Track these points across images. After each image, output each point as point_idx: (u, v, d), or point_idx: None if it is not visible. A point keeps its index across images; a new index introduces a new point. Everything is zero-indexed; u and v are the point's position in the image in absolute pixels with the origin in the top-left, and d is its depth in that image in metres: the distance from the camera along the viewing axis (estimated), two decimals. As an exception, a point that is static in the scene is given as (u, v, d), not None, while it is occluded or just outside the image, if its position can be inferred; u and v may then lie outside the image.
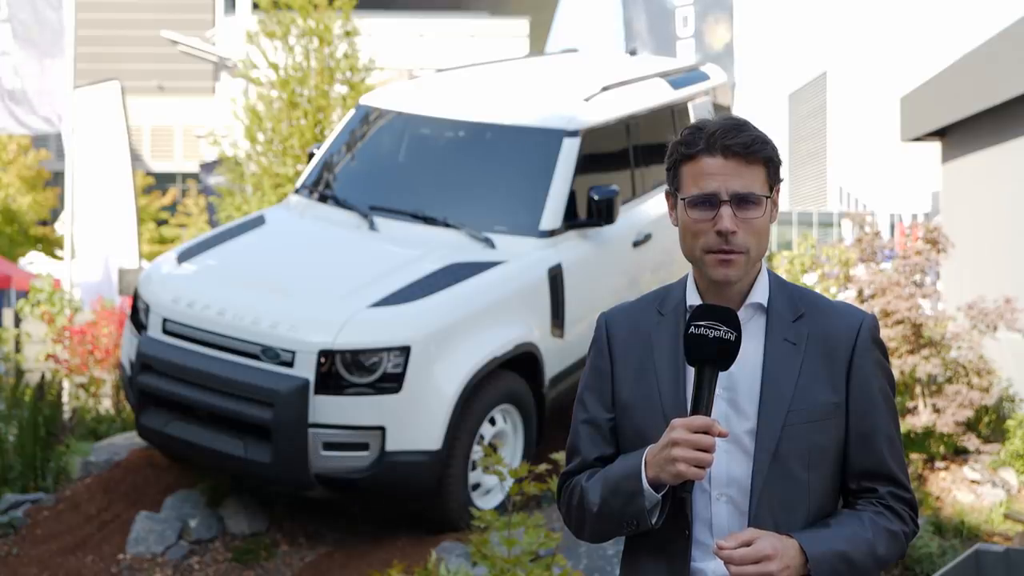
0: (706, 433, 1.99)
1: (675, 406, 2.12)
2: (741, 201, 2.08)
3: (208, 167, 17.72)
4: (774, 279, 2.20)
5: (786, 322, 2.15)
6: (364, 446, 5.75)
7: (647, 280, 7.48)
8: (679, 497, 2.08)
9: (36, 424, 7.35)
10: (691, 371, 2.09)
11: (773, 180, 2.14)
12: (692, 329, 2.04)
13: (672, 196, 2.18)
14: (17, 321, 13.17)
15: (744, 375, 2.12)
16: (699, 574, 2.12)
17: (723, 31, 11.48)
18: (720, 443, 2.06)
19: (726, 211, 2.07)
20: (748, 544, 1.99)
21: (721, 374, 2.06)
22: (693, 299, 2.18)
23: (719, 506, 2.12)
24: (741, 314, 2.11)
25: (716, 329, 2.02)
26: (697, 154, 2.10)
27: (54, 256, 24.62)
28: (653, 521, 2.08)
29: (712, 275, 2.11)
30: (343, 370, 5.72)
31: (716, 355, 2.02)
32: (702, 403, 2.03)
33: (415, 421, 5.81)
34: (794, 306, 2.17)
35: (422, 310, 5.93)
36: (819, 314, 2.17)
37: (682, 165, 2.13)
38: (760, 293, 2.17)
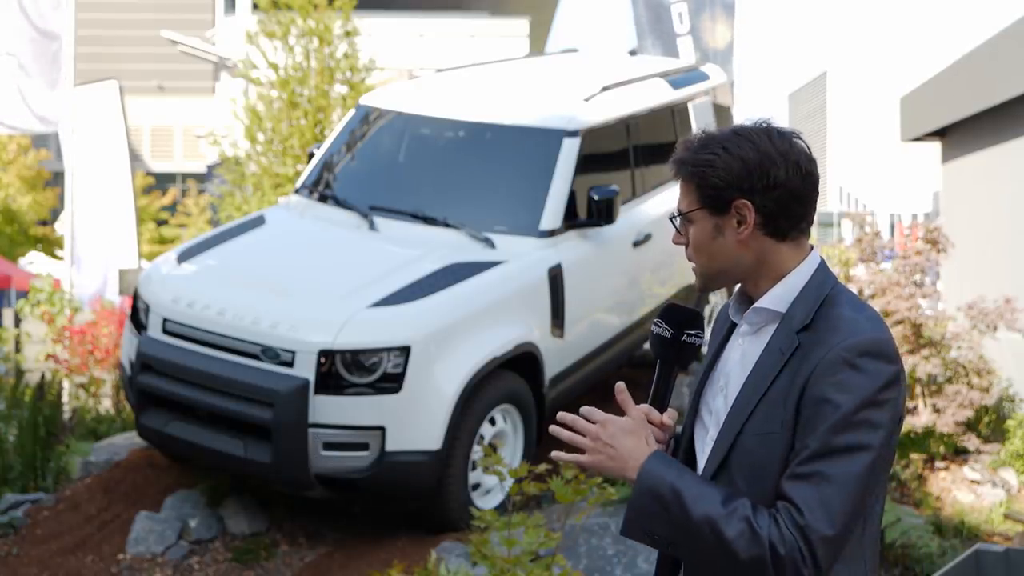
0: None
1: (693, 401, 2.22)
2: (682, 218, 2.14)
3: (213, 168, 17.75)
4: (812, 286, 2.10)
5: (791, 331, 2.07)
6: (364, 446, 5.75)
7: (647, 280, 7.48)
8: None
9: (36, 424, 7.35)
10: (719, 368, 2.17)
11: (711, 200, 2.08)
12: (651, 325, 2.16)
13: None
14: (17, 321, 13.17)
15: (739, 376, 2.12)
16: None
17: (723, 30, 11.46)
18: (714, 435, 2.11)
19: (675, 226, 2.16)
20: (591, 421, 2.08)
21: (721, 373, 2.13)
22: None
23: None
24: (751, 317, 2.12)
25: (659, 326, 2.13)
26: None
27: (54, 256, 24.61)
28: None
29: None
30: (343, 370, 5.72)
31: (662, 351, 2.13)
32: (659, 396, 2.14)
33: (415, 421, 5.81)
34: (810, 315, 2.07)
35: (422, 310, 5.93)
36: (826, 327, 2.05)
37: None
38: (774, 299, 2.10)
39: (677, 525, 1.98)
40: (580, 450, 2.08)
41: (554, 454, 2.13)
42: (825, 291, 2.09)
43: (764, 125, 2.10)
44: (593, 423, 2.07)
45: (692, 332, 2.10)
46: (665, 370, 2.12)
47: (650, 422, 2.10)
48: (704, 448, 2.13)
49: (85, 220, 13.33)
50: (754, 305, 2.12)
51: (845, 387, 1.97)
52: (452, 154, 7.29)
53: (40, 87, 12.04)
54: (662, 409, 2.13)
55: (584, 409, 2.10)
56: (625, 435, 2.05)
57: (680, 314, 2.12)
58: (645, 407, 2.10)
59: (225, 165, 15.97)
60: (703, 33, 11.40)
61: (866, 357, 1.99)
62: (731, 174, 2.05)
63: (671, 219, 2.17)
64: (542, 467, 4.75)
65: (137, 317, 6.37)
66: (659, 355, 2.14)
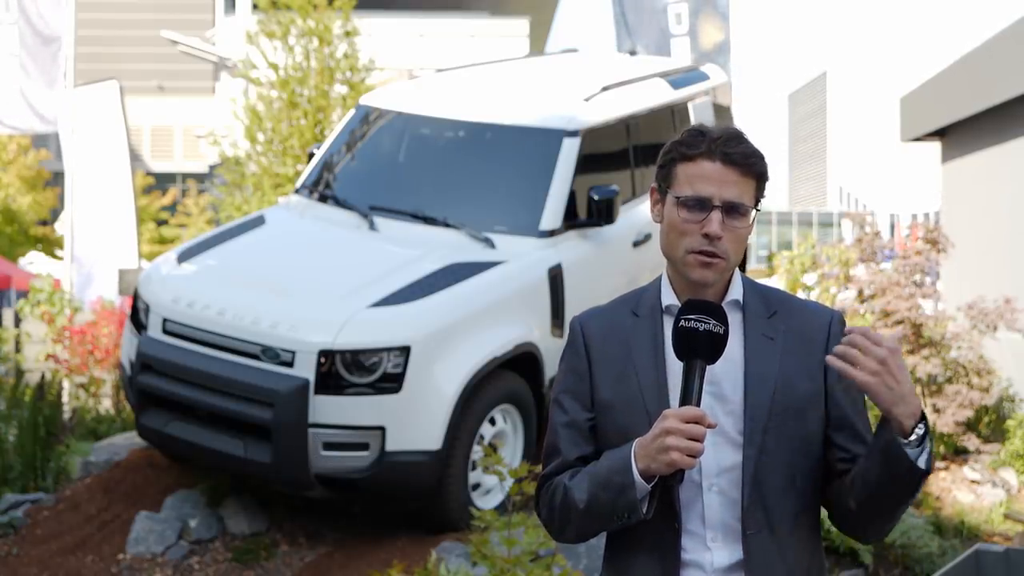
0: (697, 423, 2.04)
1: (657, 403, 2.17)
2: (731, 209, 2.15)
3: (214, 168, 17.75)
4: (745, 279, 2.29)
5: (761, 319, 2.23)
6: (364, 446, 5.75)
7: (647, 280, 7.45)
8: (669, 486, 2.11)
9: (36, 424, 7.35)
10: (670, 369, 2.17)
11: (760, 194, 2.21)
12: (682, 323, 2.09)
13: (660, 192, 2.24)
14: (17, 321, 13.16)
15: (727, 369, 2.17)
16: (692, 565, 2.16)
17: (715, 31, 11.45)
18: (708, 435, 2.11)
19: (716, 216, 2.14)
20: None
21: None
22: (669, 299, 2.24)
23: (711, 497, 2.17)
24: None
25: (705, 323, 2.08)
26: (696, 156, 2.16)
27: (54, 256, 24.59)
28: (644, 512, 2.12)
29: (691, 275, 2.18)
30: (343, 370, 5.72)
31: (705, 348, 2.08)
32: (691, 395, 2.07)
33: (415, 421, 5.81)
34: (767, 304, 2.26)
35: (422, 310, 5.93)
36: (790, 311, 2.26)
37: (678, 164, 2.19)
38: (736, 292, 2.24)
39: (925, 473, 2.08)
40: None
41: (829, 359, 2.04)
42: (753, 282, 2.30)
43: None
44: (880, 347, 2.01)
45: (719, 322, 2.09)
46: (701, 368, 2.08)
47: (695, 423, 2.03)
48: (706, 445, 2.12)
49: (85, 220, 13.33)
50: (729, 299, 2.22)
51: None
52: (452, 154, 7.28)
53: (41, 87, 12.04)
54: (696, 407, 2.08)
55: (868, 332, 2.03)
56: (905, 373, 2.03)
57: (710, 308, 2.09)
58: (699, 410, 2.04)
59: (225, 165, 15.97)
60: (701, 34, 11.39)
61: (844, 324, 2.26)
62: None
63: (728, 209, 2.13)
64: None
65: (137, 317, 6.37)
66: (697, 353, 2.08)
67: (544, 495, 2.30)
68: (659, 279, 2.30)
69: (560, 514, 2.25)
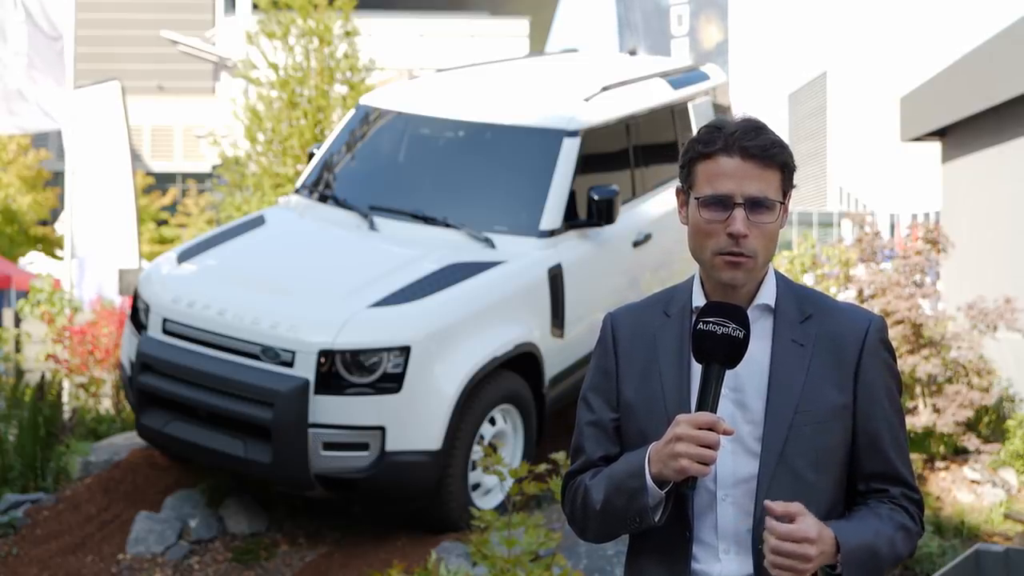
0: (711, 430, 1.97)
1: (678, 407, 2.10)
2: (754, 205, 2.05)
3: (215, 169, 17.76)
4: (781, 280, 2.19)
5: (793, 323, 2.13)
6: (364, 446, 5.75)
7: (647, 280, 7.48)
8: (682, 494, 2.06)
9: (36, 424, 7.35)
10: (695, 373, 2.08)
11: (787, 186, 2.11)
12: (700, 326, 2.02)
13: (684, 194, 2.16)
14: (17, 321, 13.17)
15: (751, 376, 2.10)
16: (702, 575, 2.11)
17: (715, 31, 11.48)
18: (726, 443, 2.04)
19: (739, 214, 2.05)
20: (793, 518, 1.97)
21: (728, 374, 2.04)
22: (699, 300, 2.16)
23: (724, 507, 2.10)
24: (753, 314, 2.11)
25: (724, 326, 2.00)
26: (714, 153, 2.07)
27: (54, 256, 24.58)
28: (656, 519, 2.07)
29: (720, 277, 2.10)
30: (343, 370, 5.72)
31: (724, 352, 2.01)
32: (708, 400, 2.01)
33: (415, 421, 5.81)
34: (801, 307, 2.16)
35: (422, 310, 5.93)
36: (826, 315, 2.16)
37: (698, 163, 2.10)
38: (767, 294, 2.15)
39: (877, 569, 2.09)
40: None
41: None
42: (791, 283, 2.19)
43: None
44: (798, 541, 1.96)
45: (738, 327, 2.01)
46: (719, 373, 2.01)
47: (709, 430, 1.98)
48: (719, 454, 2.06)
49: (85, 220, 13.32)
50: (757, 303, 2.14)
51: (889, 364, 2.17)
52: (452, 154, 7.29)
53: (48, 85, 12.03)
54: (712, 412, 2.02)
55: (784, 530, 1.97)
56: (818, 524, 1.99)
57: (731, 311, 2.02)
58: (712, 416, 1.99)
59: (225, 165, 15.97)
60: (701, 35, 11.43)
61: (886, 332, 2.19)
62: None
63: (752, 205, 2.05)
64: (542, 467, 4.75)
65: (137, 317, 6.37)
66: (706, 354, 2.02)
67: (568, 493, 2.27)
68: (692, 278, 2.21)
69: (580, 513, 2.21)
